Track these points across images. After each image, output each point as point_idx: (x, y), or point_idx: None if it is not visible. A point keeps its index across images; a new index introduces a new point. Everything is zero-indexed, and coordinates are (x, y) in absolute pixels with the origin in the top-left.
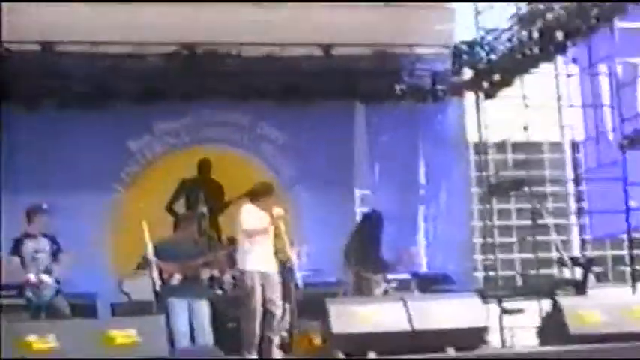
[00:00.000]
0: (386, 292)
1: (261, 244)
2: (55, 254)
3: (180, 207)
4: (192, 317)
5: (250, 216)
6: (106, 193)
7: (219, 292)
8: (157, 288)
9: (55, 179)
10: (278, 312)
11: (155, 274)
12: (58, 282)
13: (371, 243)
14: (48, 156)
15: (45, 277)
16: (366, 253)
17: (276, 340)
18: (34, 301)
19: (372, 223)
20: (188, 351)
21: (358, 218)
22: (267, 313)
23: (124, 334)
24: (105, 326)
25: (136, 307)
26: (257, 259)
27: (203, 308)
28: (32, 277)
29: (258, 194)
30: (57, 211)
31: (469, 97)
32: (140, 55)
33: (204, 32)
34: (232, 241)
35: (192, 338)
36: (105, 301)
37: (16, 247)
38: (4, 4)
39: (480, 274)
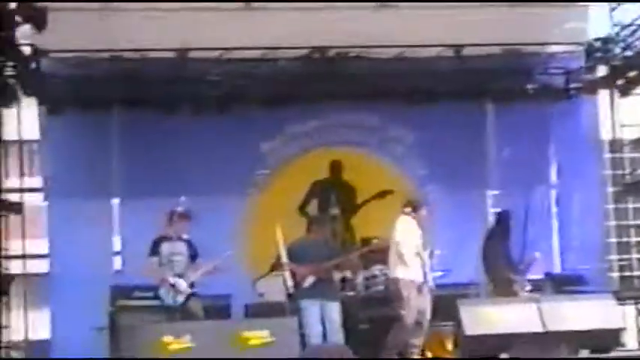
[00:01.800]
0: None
1: (415, 255)
2: (191, 258)
3: (312, 209)
4: (325, 318)
5: (407, 227)
6: (239, 195)
7: (351, 293)
8: (290, 290)
9: (188, 182)
10: (426, 322)
11: (288, 276)
12: (192, 286)
13: (511, 243)
14: (181, 159)
15: (180, 280)
16: (510, 254)
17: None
18: (168, 303)
19: (508, 223)
20: (319, 347)
21: (491, 218)
22: (416, 322)
23: (257, 335)
24: (239, 327)
25: (270, 308)
26: (412, 269)
27: (335, 310)
28: (169, 278)
29: (413, 207)
30: (191, 214)
31: (603, 94)
32: (272, 59)
33: (334, 35)
34: (365, 242)
35: (325, 340)
36: (239, 302)
37: (154, 249)
38: (143, 13)
39: (615, 275)
